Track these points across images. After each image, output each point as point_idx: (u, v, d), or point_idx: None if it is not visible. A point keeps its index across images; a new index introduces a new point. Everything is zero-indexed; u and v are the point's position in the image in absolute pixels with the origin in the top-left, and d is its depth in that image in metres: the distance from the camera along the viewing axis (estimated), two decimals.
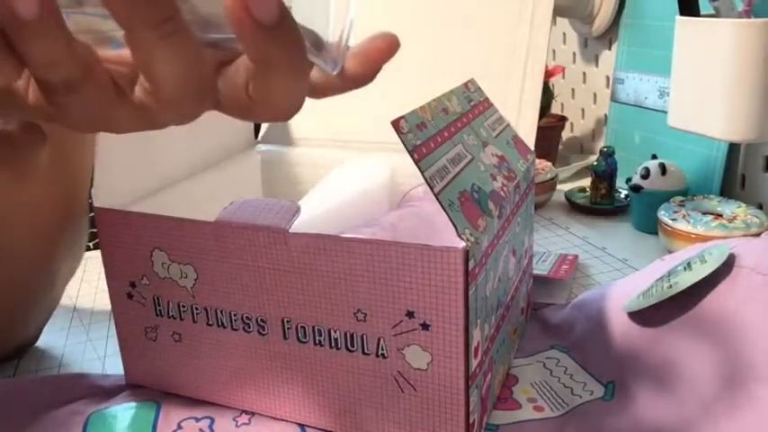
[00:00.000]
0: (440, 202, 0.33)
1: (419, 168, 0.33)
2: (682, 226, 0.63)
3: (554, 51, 1.09)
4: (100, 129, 0.24)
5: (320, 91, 0.27)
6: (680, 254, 0.50)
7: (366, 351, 0.38)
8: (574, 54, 1.04)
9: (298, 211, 0.38)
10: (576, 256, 0.63)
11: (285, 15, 0.21)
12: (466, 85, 0.45)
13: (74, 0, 0.22)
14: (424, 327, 0.35)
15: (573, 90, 1.06)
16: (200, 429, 0.42)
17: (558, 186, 0.85)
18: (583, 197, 0.81)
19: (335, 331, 0.38)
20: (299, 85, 0.23)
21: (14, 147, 0.26)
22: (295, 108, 0.25)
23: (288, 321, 0.39)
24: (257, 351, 0.41)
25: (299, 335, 0.39)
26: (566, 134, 1.07)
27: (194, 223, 0.39)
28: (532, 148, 0.49)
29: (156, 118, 0.24)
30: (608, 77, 0.95)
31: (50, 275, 0.50)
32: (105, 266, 0.44)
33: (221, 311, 0.41)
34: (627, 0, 0.90)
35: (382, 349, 0.37)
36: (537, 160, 0.82)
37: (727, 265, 0.42)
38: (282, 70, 0.22)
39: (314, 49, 0.23)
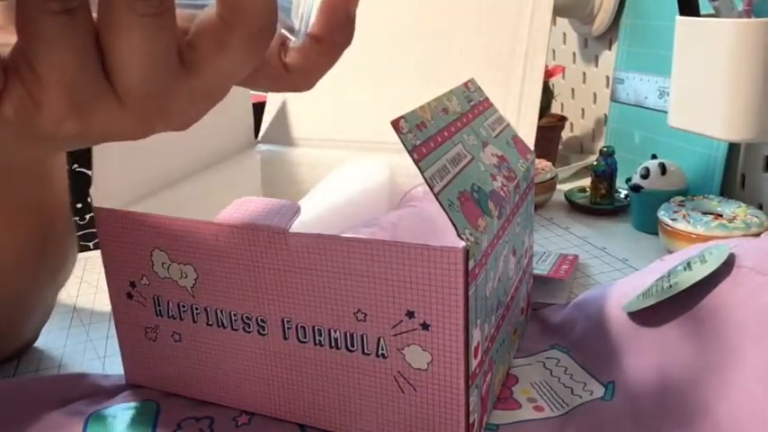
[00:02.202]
0: (440, 202, 0.33)
1: (419, 168, 0.33)
2: (682, 226, 0.63)
3: (554, 51, 1.09)
4: (80, 122, 0.23)
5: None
6: (680, 254, 0.50)
7: (366, 351, 0.38)
8: (574, 54, 1.04)
9: (298, 211, 0.38)
10: (576, 256, 0.63)
11: None
12: (466, 84, 0.45)
13: None
14: (424, 327, 0.35)
15: (573, 90, 1.06)
16: (200, 429, 0.42)
17: (558, 186, 0.85)
18: (583, 197, 0.81)
19: (335, 331, 0.38)
20: (339, 54, 0.25)
21: None
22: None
23: (288, 321, 0.39)
24: (257, 351, 0.41)
25: (299, 335, 0.39)
26: (566, 134, 1.07)
27: (194, 223, 0.39)
28: (532, 147, 0.49)
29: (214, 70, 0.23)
30: (608, 77, 0.95)
31: (39, 291, 0.50)
32: (105, 266, 0.44)
33: (221, 311, 0.41)
34: (627, 0, 0.90)
35: (382, 349, 0.37)
36: (537, 160, 0.82)
37: (728, 265, 0.42)
38: None
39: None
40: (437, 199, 0.33)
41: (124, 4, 0.21)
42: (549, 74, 0.97)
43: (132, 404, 0.44)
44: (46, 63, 0.21)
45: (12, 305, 0.48)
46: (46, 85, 0.21)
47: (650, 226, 0.70)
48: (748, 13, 0.60)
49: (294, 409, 0.41)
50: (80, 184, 0.67)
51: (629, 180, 0.74)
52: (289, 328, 0.39)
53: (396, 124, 0.34)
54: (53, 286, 0.51)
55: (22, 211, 0.44)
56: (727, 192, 0.74)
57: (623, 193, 0.80)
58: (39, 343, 0.55)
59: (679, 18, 0.63)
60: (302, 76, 0.26)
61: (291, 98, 0.61)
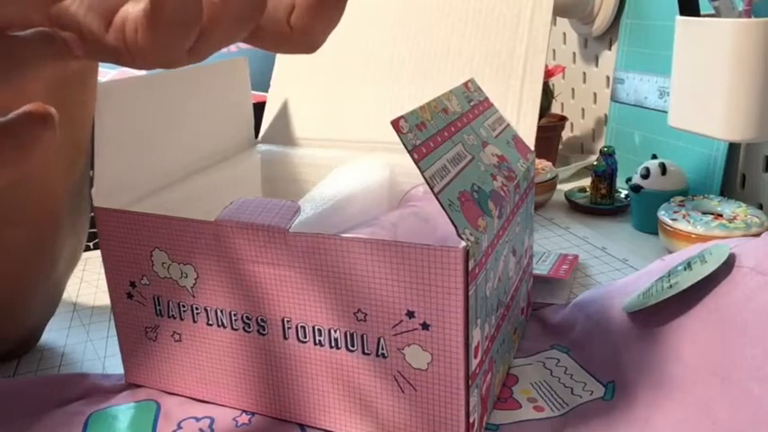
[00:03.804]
0: (440, 202, 0.33)
1: (419, 168, 0.33)
2: (682, 226, 0.63)
3: (554, 51, 1.09)
4: (159, 64, 0.24)
5: (308, 31, 0.27)
6: (680, 254, 0.50)
7: (366, 351, 0.38)
8: (574, 54, 1.04)
9: (298, 210, 0.38)
10: (576, 256, 0.63)
11: None
12: (466, 85, 0.45)
13: None
14: (424, 327, 0.35)
15: (573, 90, 1.06)
16: (201, 429, 0.42)
17: (558, 186, 0.85)
18: (583, 197, 0.81)
19: (335, 331, 0.38)
20: (340, 10, 0.25)
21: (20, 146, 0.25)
22: (326, 37, 0.26)
23: (288, 321, 0.39)
24: (257, 351, 0.41)
25: (299, 335, 0.39)
26: (566, 134, 1.07)
27: (194, 223, 0.39)
28: (532, 147, 0.49)
29: (209, 41, 0.24)
30: (608, 77, 0.95)
31: (52, 249, 0.49)
32: (105, 266, 0.44)
33: (221, 311, 0.41)
34: (627, 0, 0.90)
35: (382, 349, 0.37)
36: (537, 160, 0.82)
37: (728, 265, 0.42)
38: None
39: None
40: (437, 199, 0.33)
41: None
42: (549, 74, 0.97)
43: (132, 404, 0.44)
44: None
45: (26, 261, 0.47)
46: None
47: (650, 226, 0.70)
48: (748, 13, 0.60)
49: (294, 409, 0.41)
50: None
51: (629, 180, 0.74)
52: (289, 328, 0.39)
53: (396, 124, 0.33)
54: (67, 253, 0.51)
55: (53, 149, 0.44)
56: (727, 192, 0.74)
57: (623, 193, 0.80)
58: (39, 343, 0.55)
59: (679, 18, 0.63)
60: (306, 36, 0.26)
61: (292, 98, 0.61)
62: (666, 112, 0.67)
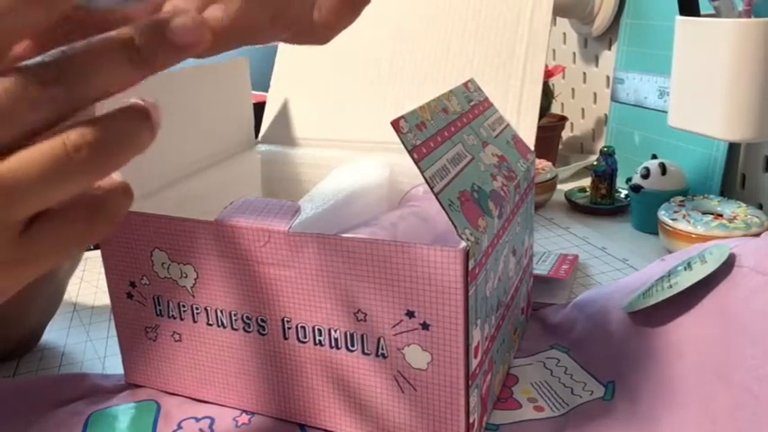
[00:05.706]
0: (440, 202, 0.33)
1: (419, 168, 0.33)
2: (682, 226, 0.63)
3: (554, 51, 1.09)
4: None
5: (329, 26, 0.29)
6: (680, 254, 0.50)
7: (366, 351, 0.38)
8: (574, 54, 1.04)
9: (298, 211, 0.38)
10: (576, 256, 0.63)
11: None
12: (466, 85, 0.45)
13: None
14: (424, 327, 0.35)
15: (573, 90, 1.06)
16: (201, 429, 0.42)
17: (558, 186, 0.85)
18: (583, 197, 0.81)
19: (335, 331, 0.38)
20: (363, 7, 0.28)
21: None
22: (342, 31, 0.29)
23: (288, 321, 0.39)
24: (257, 351, 0.41)
25: (299, 335, 0.39)
26: (566, 134, 1.07)
27: (194, 223, 0.39)
28: (532, 147, 0.49)
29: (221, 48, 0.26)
30: (608, 77, 0.95)
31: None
32: (105, 266, 0.44)
33: (221, 311, 0.41)
34: (627, 0, 0.90)
35: (382, 349, 0.37)
36: (537, 160, 0.82)
37: (728, 265, 0.42)
38: None
39: None
40: (437, 199, 0.33)
41: None
42: (549, 74, 0.97)
43: (132, 404, 0.44)
44: None
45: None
46: None
47: (650, 226, 0.70)
48: (748, 13, 0.60)
49: (294, 409, 0.41)
50: None
51: (629, 180, 0.74)
52: (289, 328, 0.39)
53: (396, 124, 0.33)
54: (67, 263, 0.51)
55: None
56: (727, 192, 0.74)
57: (623, 193, 0.80)
58: (39, 343, 0.55)
59: (679, 18, 0.63)
60: (327, 30, 0.29)
61: (292, 98, 0.61)
62: (666, 112, 0.67)
